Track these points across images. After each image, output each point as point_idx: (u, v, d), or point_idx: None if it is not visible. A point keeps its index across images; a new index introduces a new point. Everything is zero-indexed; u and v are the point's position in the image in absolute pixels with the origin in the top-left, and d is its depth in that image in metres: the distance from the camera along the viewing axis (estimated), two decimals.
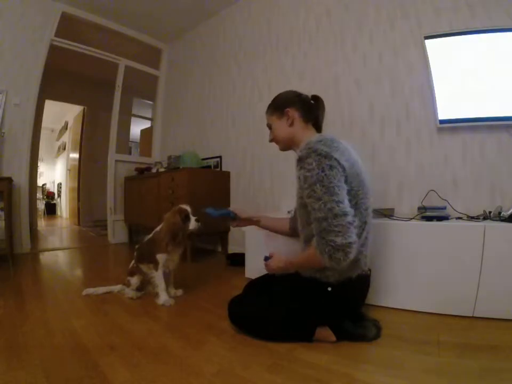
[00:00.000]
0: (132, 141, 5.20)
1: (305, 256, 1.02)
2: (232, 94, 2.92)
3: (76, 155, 5.29)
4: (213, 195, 2.64)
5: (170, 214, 1.49)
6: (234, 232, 2.64)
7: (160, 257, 1.48)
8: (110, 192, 3.44)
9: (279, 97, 1.21)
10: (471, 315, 1.22)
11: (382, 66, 1.97)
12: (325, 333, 1.05)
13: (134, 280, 1.55)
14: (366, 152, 1.94)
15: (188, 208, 1.50)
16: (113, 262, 2.73)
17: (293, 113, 1.14)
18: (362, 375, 0.86)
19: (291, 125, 1.14)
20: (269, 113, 1.21)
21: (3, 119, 2.55)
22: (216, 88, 3.11)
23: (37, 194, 5.03)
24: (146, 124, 4.80)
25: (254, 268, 1.79)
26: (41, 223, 5.39)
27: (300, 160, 0.99)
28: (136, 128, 4.92)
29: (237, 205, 2.74)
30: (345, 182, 0.96)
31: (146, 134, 4.56)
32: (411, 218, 1.42)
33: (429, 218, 1.38)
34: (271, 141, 1.24)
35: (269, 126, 1.22)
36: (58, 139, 7.22)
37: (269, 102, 1.23)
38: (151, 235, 1.58)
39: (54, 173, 7.65)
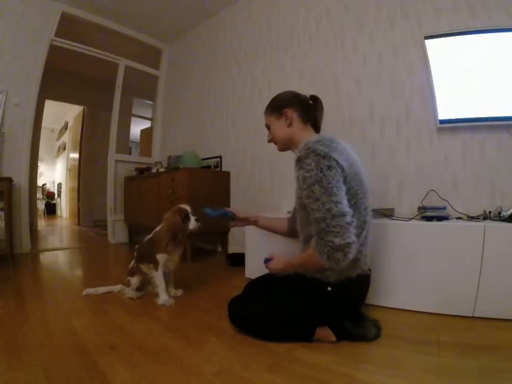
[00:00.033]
0: (131, 141, 5.21)
1: (304, 257, 1.02)
2: (232, 94, 2.92)
3: (76, 155, 5.29)
4: (213, 195, 2.64)
5: (170, 213, 1.49)
6: (234, 232, 2.64)
7: (160, 257, 1.48)
8: (110, 192, 3.44)
9: (277, 98, 1.20)
10: (471, 315, 1.22)
11: (382, 66, 1.97)
12: (325, 333, 1.05)
13: (134, 280, 1.55)
14: (366, 152, 1.94)
15: (188, 208, 1.50)
16: (113, 262, 2.73)
17: (292, 113, 1.13)
18: (362, 375, 0.86)
19: (289, 125, 1.14)
20: (267, 113, 1.21)
21: (3, 119, 2.55)
22: (216, 88, 3.11)
23: (37, 194, 5.03)
24: (146, 124, 4.80)
25: (254, 268, 1.79)
26: (41, 223, 5.39)
27: (299, 161, 0.99)
28: (136, 128, 4.92)
29: (237, 205, 2.74)
30: (344, 181, 0.96)
31: (146, 134, 4.56)
32: (411, 218, 1.42)
33: (429, 218, 1.38)
34: (269, 141, 1.24)
35: (268, 127, 1.22)
36: (58, 139, 7.22)
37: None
38: (151, 235, 1.58)
39: (54, 173, 7.65)
